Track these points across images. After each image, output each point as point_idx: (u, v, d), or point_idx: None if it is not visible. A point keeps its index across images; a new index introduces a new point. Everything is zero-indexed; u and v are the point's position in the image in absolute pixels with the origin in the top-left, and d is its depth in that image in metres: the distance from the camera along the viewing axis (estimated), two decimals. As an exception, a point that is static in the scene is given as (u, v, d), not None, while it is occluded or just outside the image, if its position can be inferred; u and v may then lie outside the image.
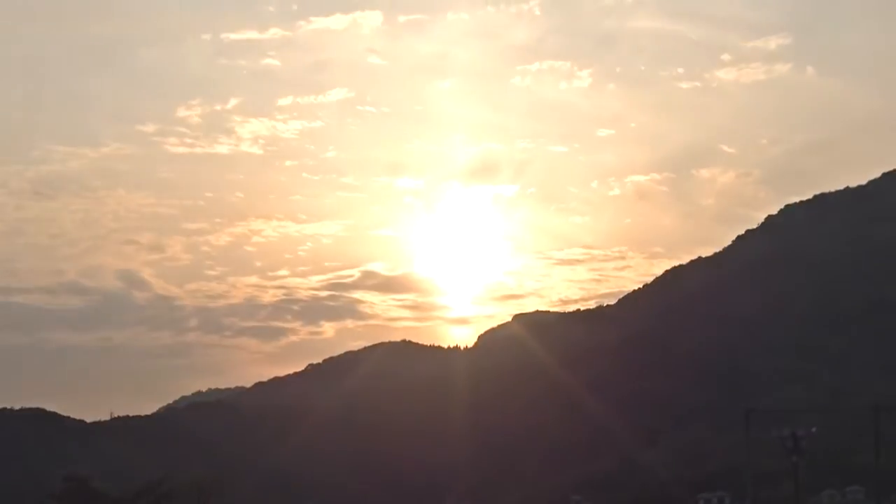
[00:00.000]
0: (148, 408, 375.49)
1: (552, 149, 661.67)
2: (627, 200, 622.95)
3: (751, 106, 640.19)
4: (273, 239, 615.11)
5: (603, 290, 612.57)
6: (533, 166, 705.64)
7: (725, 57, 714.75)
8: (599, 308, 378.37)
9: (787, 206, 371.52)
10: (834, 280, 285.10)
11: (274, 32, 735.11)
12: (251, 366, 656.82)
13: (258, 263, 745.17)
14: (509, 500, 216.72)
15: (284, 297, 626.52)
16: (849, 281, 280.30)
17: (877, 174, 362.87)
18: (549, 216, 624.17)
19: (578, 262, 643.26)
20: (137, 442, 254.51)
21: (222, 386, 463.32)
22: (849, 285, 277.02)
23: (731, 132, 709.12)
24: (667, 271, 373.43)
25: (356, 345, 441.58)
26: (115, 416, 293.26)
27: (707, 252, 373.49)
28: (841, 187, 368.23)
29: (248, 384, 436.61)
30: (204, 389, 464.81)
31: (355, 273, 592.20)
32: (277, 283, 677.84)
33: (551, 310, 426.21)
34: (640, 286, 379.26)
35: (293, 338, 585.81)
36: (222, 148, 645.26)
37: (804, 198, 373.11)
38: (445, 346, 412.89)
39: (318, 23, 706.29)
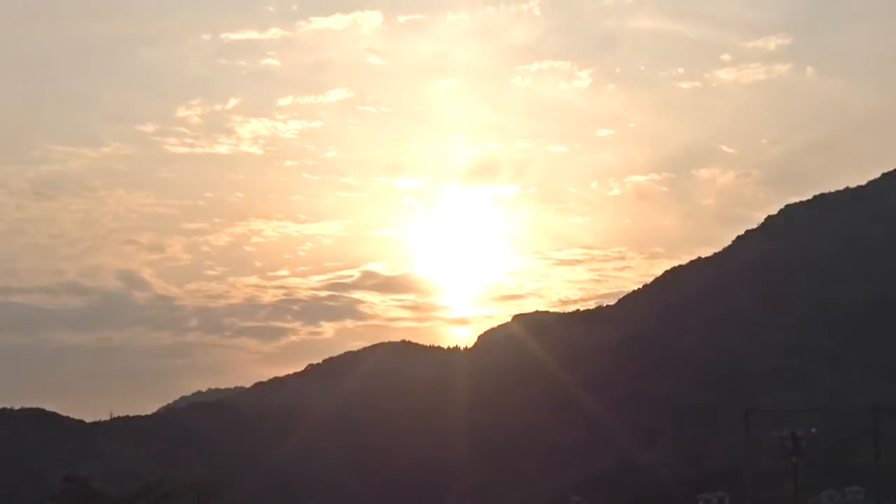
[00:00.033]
0: (148, 408, 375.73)
1: (552, 149, 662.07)
2: (627, 201, 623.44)
3: (750, 106, 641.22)
4: (273, 239, 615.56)
5: (603, 290, 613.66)
6: (533, 166, 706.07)
7: (725, 57, 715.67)
8: (599, 308, 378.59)
9: (787, 207, 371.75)
10: (834, 280, 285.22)
11: (274, 32, 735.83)
12: (251, 366, 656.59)
13: (258, 263, 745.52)
14: (509, 500, 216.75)
15: (284, 297, 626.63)
16: (848, 281, 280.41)
17: (876, 174, 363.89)
18: (549, 216, 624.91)
19: (578, 262, 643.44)
20: (137, 442, 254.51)
21: (222, 386, 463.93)
22: (848, 285, 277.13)
23: (730, 132, 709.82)
24: (666, 272, 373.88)
25: (356, 345, 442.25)
26: (115, 416, 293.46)
27: (707, 252, 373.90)
28: (841, 187, 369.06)
29: (248, 384, 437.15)
30: (204, 389, 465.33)
31: (355, 273, 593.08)
32: (277, 283, 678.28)
33: (551, 310, 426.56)
34: (640, 286, 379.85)
35: (293, 338, 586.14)
36: (222, 148, 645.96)
37: (804, 198, 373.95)
38: (445, 346, 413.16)
39: (318, 23, 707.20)
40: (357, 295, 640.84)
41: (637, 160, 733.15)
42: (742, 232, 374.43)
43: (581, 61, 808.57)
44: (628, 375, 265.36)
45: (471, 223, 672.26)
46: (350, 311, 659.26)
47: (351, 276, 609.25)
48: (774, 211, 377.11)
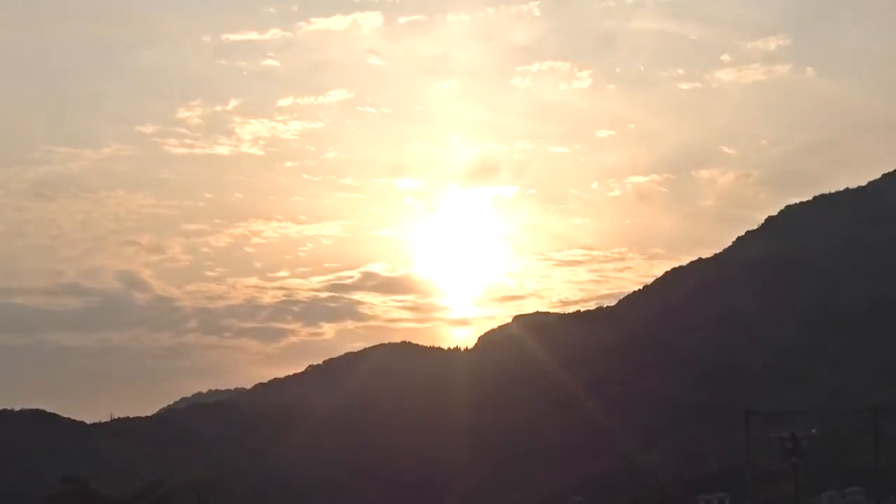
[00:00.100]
0: (148, 409, 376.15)
1: (552, 150, 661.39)
2: (627, 201, 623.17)
3: (751, 107, 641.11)
4: (273, 240, 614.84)
5: (603, 291, 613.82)
6: (533, 167, 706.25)
7: (725, 58, 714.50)
8: (599, 309, 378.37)
9: (788, 207, 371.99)
10: (834, 281, 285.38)
11: (274, 33, 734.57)
12: (251, 367, 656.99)
13: (258, 264, 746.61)
14: (509, 501, 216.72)
15: (284, 298, 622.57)
16: (849, 281, 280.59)
17: (877, 175, 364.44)
18: (549, 217, 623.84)
19: (578, 263, 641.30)
20: (137, 443, 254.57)
21: (222, 387, 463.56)
22: (849, 286, 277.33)
23: (731, 133, 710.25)
24: (667, 272, 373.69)
25: (356, 346, 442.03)
26: (115, 417, 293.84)
27: (707, 253, 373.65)
28: (841, 188, 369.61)
29: (248, 385, 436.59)
30: (204, 390, 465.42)
31: (355, 274, 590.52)
32: (277, 284, 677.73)
33: (551, 311, 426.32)
34: (641, 287, 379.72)
35: (293, 339, 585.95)
36: (222, 149, 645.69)
37: (804, 199, 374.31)
38: (445, 347, 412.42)
39: (319, 24, 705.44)
40: (357, 296, 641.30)
41: (637, 161, 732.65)
42: (742, 233, 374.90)
43: (581, 62, 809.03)
44: (628, 376, 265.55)
45: (471, 224, 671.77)
46: (350, 311, 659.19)
47: (351, 277, 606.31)
48: (775, 212, 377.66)
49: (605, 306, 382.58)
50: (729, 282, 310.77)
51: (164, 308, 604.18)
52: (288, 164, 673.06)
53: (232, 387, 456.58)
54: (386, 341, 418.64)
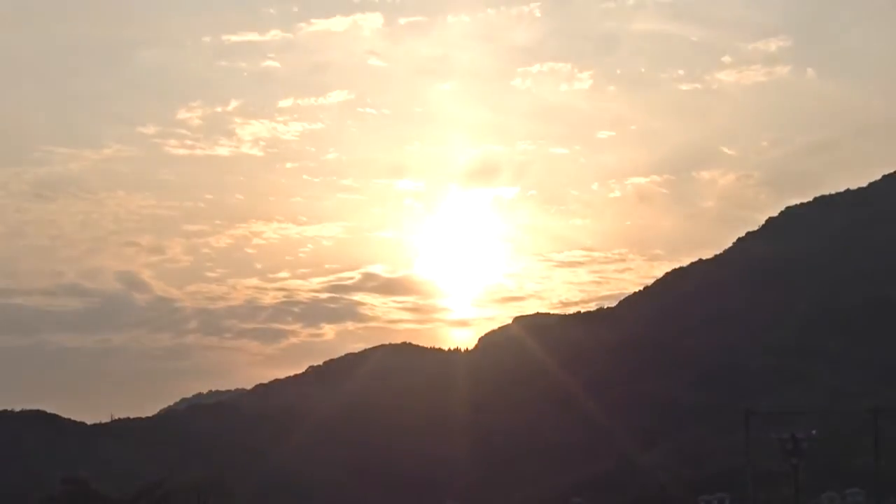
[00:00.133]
0: (148, 409, 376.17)
1: (552, 151, 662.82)
2: (628, 202, 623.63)
3: (751, 108, 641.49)
4: (273, 241, 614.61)
5: (603, 292, 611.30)
6: (533, 168, 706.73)
7: (726, 59, 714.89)
8: (600, 310, 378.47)
9: (788, 208, 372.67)
10: (834, 281, 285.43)
11: (274, 34, 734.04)
12: (251, 367, 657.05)
13: (258, 265, 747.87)
14: (509, 501, 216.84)
15: (285, 299, 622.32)
16: (849, 282, 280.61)
17: (877, 176, 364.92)
18: (550, 218, 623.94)
19: (579, 264, 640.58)
20: (138, 444, 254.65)
21: (222, 388, 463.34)
22: (849, 286, 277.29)
23: (731, 134, 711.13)
24: (667, 273, 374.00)
25: (356, 347, 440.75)
26: (116, 417, 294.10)
27: (708, 254, 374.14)
28: (841, 189, 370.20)
29: (249, 386, 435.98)
30: (204, 391, 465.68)
31: (356, 275, 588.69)
32: (278, 284, 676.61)
33: (552, 312, 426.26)
34: (641, 288, 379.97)
35: (293, 340, 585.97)
36: (223, 150, 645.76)
37: (805, 200, 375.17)
38: (446, 348, 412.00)
39: (319, 25, 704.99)
40: (357, 297, 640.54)
41: (638, 162, 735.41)
42: (743, 234, 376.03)
43: (582, 63, 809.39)
44: (628, 376, 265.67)
45: (471, 225, 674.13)
46: (350, 312, 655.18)
47: (351, 278, 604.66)
48: (775, 213, 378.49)
49: (605, 307, 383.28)
50: (729, 282, 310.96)
51: (165, 309, 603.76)
52: (288, 165, 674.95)
53: (232, 387, 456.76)
54: (386, 342, 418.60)
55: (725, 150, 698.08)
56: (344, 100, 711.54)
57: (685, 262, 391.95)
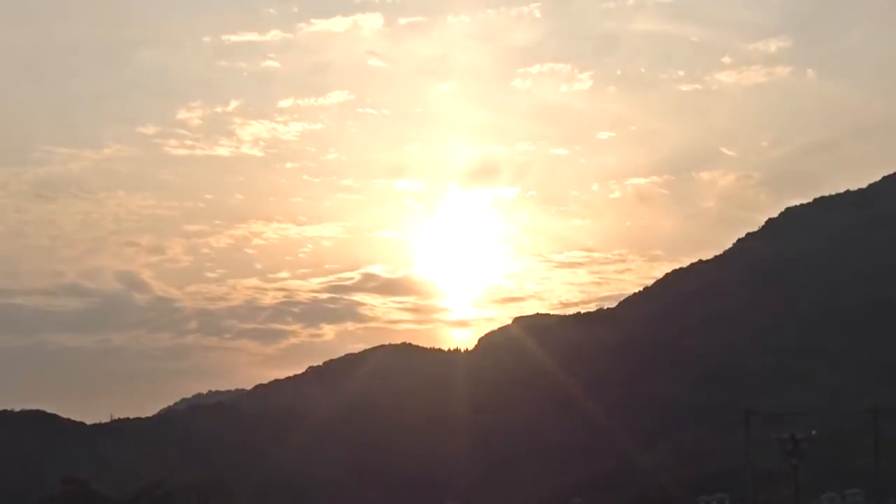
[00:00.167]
0: (148, 410, 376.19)
1: (552, 151, 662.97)
2: (628, 203, 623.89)
3: (751, 108, 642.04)
4: (273, 241, 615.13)
5: (603, 292, 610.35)
6: (533, 169, 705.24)
7: (726, 59, 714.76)
8: (600, 311, 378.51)
9: (788, 209, 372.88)
10: (834, 282, 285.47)
11: (274, 34, 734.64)
12: (251, 368, 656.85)
13: (258, 265, 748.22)
14: (509, 501, 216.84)
15: (285, 299, 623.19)
16: (849, 282, 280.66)
17: (877, 177, 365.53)
18: (550, 219, 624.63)
19: (579, 264, 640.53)
20: (138, 444, 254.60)
21: (222, 388, 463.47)
22: (849, 287, 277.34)
23: (731, 135, 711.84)
24: (667, 274, 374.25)
25: (356, 347, 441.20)
26: (115, 417, 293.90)
27: (708, 255, 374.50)
28: (841, 190, 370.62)
29: (249, 386, 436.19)
30: (204, 391, 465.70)
31: (355, 275, 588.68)
32: (278, 285, 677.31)
33: (551, 312, 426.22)
34: (641, 289, 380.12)
35: (293, 340, 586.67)
36: (223, 150, 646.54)
37: (805, 200, 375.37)
38: (446, 348, 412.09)
39: (319, 25, 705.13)
40: (357, 297, 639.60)
41: (638, 162, 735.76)
42: (743, 234, 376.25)
43: (582, 64, 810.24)
44: (628, 377, 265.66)
45: (471, 225, 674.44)
46: (350, 313, 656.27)
47: (351, 279, 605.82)
48: (775, 213, 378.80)
49: (605, 308, 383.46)
50: (729, 283, 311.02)
51: (165, 309, 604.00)
52: (288, 165, 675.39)
53: (232, 388, 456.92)
54: (386, 342, 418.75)
55: (725, 150, 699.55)
56: (344, 100, 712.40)
57: (685, 262, 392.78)
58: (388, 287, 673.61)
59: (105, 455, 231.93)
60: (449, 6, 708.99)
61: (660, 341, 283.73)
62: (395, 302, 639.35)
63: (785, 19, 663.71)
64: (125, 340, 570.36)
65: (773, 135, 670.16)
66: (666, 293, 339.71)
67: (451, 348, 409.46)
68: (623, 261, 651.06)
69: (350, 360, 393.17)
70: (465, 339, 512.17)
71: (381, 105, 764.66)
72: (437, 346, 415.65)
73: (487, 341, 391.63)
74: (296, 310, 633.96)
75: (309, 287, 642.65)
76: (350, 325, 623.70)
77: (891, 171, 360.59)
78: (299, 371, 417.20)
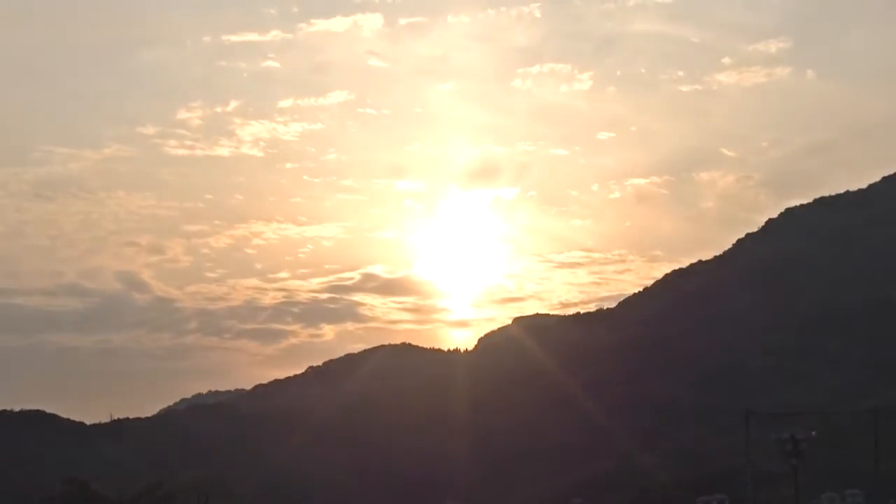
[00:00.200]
0: (148, 410, 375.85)
1: (552, 152, 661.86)
2: (628, 203, 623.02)
3: (751, 109, 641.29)
4: (273, 241, 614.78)
5: (603, 293, 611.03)
6: (533, 169, 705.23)
7: (726, 60, 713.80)
8: (599, 311, 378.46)
9: (788, 209, 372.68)
10: (834, 282, 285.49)
11: (274, 35, 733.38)
12: (251, 368, 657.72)
13: (258, 266, 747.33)
14: (509, 501, 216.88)
15: (284, 299, 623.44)
16: (849, 283, 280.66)
17: (876, 177, 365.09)
18: (550, 219, 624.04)
19: (579, 265, 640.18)
20: (137, 444, 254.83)
21: (222, 388, 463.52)
22: (849, 287, 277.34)
23: (731, 135, 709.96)
24: (667, 274, 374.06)
25: (356, 347, 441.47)
26: (115, 418, 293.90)
27: (707, 255, 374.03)
28: (841, 191, 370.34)
29: (248, 386, 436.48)
30: (204, 391, 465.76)
31: (355, 275, 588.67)
32: (277, 285, 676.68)
33: (551, 313, 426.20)
34: (641, 289, 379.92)
35: (293, 340, 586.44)
36: (223, 150, 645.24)
37: (804, 201, 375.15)
38: (445, 348, 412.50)
39: (319, 25, 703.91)
40: (357, 297, 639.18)
41: (638, 163, 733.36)
42: (743, 235, 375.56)
43: (582, 64, 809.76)
44: (628, 377, 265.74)
45: (471, 226, 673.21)
46: (350, 313, 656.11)
47: (351, 279, 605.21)
48: (775, 214, 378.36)
49: (605, 308, 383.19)
50: (729, 283, 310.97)
51: (165, 309, 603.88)
52: (288, 165, 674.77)
53: (232, 388, 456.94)
54: (386, 343, 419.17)
55: (725, 151, 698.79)
56: (344, 100, 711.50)
57: (685, 263, 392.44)
58: (388, 287, 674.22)
59: (105, 455, 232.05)
60: (449, 6, 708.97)
61: (660, 341, 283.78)
62: (394, 302, 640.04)
63: (785, 20, 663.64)
64: (125, 340, 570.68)
65: (773, 135, 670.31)
66: (666, 293, 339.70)
67: (451, 348, 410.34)
68: (623, 261, 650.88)
69: (350, 360, 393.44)
70: (464, 340, 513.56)
71: (381, 105, 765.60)
72: (436, 347, 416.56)
73: (487, 341, 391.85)
74: (296, 310, 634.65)
75: (309, 287, 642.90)
76: (350, 326, 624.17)
77: (891, 172, 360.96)
78: (299, 371, 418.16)
